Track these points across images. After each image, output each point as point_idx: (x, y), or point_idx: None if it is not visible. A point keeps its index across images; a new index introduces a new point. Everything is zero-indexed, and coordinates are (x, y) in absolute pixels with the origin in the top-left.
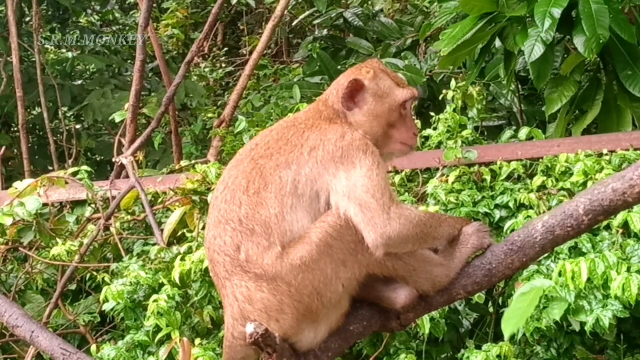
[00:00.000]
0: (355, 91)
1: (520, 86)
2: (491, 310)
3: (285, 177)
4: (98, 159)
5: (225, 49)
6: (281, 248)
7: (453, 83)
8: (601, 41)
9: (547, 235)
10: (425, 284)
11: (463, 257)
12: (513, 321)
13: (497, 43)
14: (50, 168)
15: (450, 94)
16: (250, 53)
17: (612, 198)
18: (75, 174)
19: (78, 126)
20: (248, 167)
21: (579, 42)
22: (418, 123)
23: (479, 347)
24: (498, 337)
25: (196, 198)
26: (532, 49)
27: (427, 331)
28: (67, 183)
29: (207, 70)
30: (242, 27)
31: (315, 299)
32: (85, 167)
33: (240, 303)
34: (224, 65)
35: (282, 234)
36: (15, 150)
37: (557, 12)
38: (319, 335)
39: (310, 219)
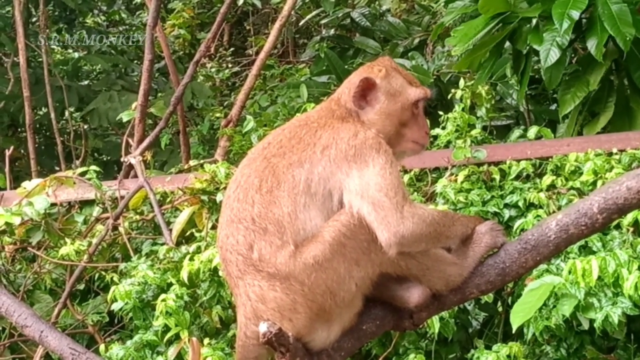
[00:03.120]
0: (366, 90)
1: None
2: (500, 309)
3: (298, 176)
4: (105, 159)
5: (232, 49)
6: (294, 247)
7: (462, 82)
8: (627, 38)
9: (561, 234)
10: (438, 282)
11: (476, 255)
12: (522, 314)
13: (506, 43)
14: (57, 168)
15: (459, 93)
16: (257, 53)
17: (627, 196)
18: (83, 174)
19: (85, 126)
20: (260, 166)
21: (591, 45)
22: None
23: (488, 347)
24: (507, 337)
25: (205, 197)
26: (548, 53)
27: (437, 331)
28: (74, 183)
29: (213, 70)
30: (248, 27)
31: (328, 298)
32: (93, 167)
33: (252, 302)
34: (230, 65)
35: (295, 232)
36: (22, 151)
37: (576, 14)
38: (332, 335)
39: (323, 218)
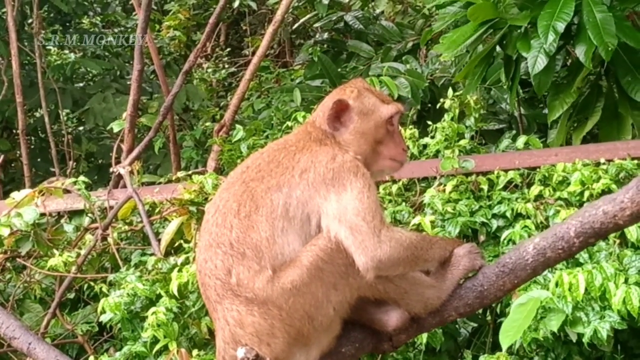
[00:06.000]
0: (340, 111)
1: (520, 90)
2: (489, 319)
3: (276, 200)
4: (100, 163)
5: (228, 49)
6: (272, 271)
7: (450, 92)
8: (610, 48)
9: (538, 257)
10: (416, 305)
11: (454, 278)
12: (511, 332)
13: (497, 47)
14: (53, 169)
15: (448, 103)
16: (253, 53)
17: (603, 220)
18: (73, 184)
19: (80, 128)
20: (239, 190)
21: (580, 51)
22: (415, 132)
23: (476, 357)
24: (496, 347)
25: (193, 208)
26: (535, 60)
27: (425, 341)
28: (69, 192)
29: (209, 70)
30: (244, 28)
31: (306, 322)
32: (82, 178)
33: (231, 327)
34: (226, 66)
35: (272, 257)
36: (18, 153)
37: (561, 26)
38: (311, 358)
39: (301, 242)
